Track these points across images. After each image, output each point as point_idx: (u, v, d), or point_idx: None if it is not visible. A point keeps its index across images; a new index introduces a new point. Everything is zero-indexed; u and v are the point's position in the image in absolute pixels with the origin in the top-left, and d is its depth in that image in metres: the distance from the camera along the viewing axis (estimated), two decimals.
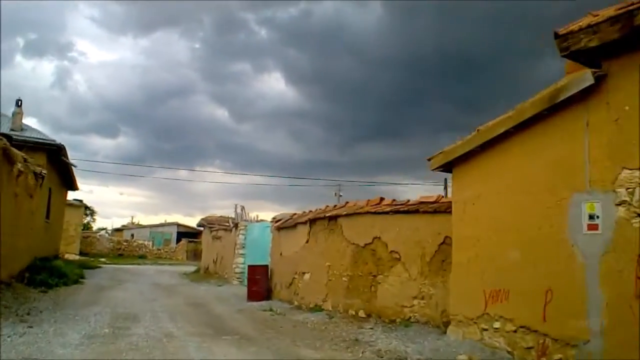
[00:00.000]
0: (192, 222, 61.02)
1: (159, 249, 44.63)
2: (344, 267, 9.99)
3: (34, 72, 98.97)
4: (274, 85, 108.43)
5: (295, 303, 11.45)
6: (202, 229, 50.86)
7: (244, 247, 17.81)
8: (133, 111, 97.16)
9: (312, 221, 11.11)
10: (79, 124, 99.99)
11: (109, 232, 62.34)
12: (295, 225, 12.05)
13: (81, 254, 37.64)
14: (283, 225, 12.77)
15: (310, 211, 11.54)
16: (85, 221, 77.47)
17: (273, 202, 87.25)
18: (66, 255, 33.35)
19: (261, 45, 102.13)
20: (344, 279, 9.96)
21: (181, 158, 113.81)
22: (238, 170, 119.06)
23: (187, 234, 60.44)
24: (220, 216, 23.98)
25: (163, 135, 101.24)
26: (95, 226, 77.50)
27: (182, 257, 44.49)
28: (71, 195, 29.56)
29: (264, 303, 12.22)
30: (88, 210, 76.57)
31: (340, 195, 51.33)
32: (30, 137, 14.33)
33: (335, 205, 11.05)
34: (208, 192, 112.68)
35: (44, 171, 14.16)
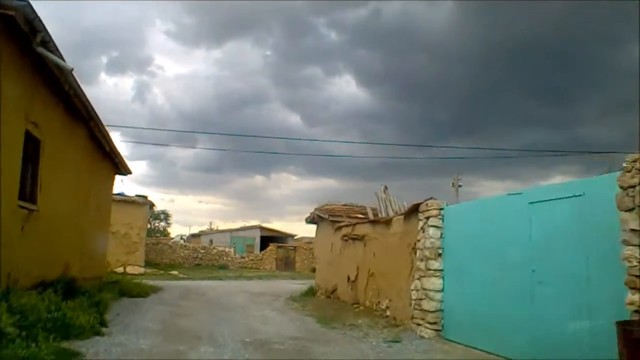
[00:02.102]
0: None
1: (243, 257, 36.26)
2: None
3: (116, 88, 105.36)
4: (345, 87, 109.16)
5: None
6: (300, 236, 41.98)
7: (440, 255, 8.21)
8: (209, 121, 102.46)
9: None
10: (159, 135, 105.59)
11: (185, 238, 55.39)
12: None
13: (148, 264, 29.85)
14: None
15: None
16: (161, 227, 71.77)
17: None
18: (127, 268, 25.52)
19: (331, 48, 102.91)
20: None
21: (256, 165, 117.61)
22: (312, 175, 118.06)
23: (271, 238, 52.33)
24: (346, 204, 14.63)
25: (239, 144, 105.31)
26: (172, 233, 71.88)
27: (270, 265, 35.92)
28: (129, 187, 21.70)
29: None
30: (162, 214, 70.99)
31: (460, 186, 40.94)
32: None
33: None
34: (284, 198, 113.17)
35: None
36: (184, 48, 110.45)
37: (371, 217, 12.64)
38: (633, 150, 4.44)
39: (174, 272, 26.89)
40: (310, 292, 15.25)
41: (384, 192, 13.03)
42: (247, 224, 55.30)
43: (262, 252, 36.53)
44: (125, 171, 17.23)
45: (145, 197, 27.23)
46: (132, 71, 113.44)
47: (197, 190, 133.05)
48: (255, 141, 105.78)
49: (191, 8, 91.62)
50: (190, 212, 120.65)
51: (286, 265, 36.19)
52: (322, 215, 13.83)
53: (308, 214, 15.39)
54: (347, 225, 12.21)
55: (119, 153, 15.17)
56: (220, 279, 23.91)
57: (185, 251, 34.59)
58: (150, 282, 18.21)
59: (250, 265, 35.46)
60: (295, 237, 57.24)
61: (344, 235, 12.19)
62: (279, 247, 36.81)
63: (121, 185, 44.97)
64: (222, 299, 13.46)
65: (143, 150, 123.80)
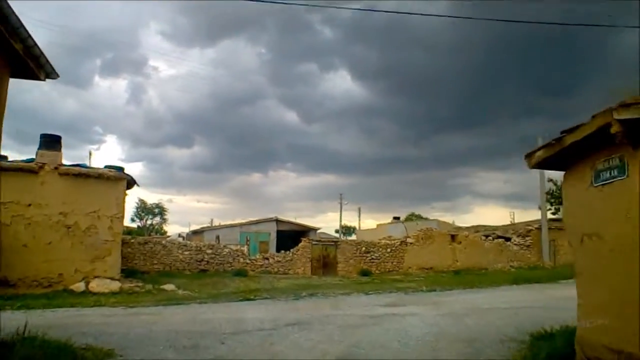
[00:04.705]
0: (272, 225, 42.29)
1: (266, 258, 26.21)
2: None
3: (110, 91, 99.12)
4: (341, 83, 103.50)
5: None
6: (321, 231, 34.43)
7: None
8: (206, 120, 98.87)
9: None
10: (155, 136, 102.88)
11: (184, 235, 45.41)
12: None
13: (131, 273, 19.88)
14: None
15: None
16: (155, 223, 61.58)
17: (352, 203, 72.61)
18: (92, 283, 15.57)
19: (326, 44, 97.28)
20: None
21: (255, 163, 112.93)
22: (311, 171, 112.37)
23: (291, 233, 42.47)
24: None
25: (236, 142, 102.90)
26: (170, 231, 61.75)
27: (303, 268, 25.99)
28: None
29: None
30: (157, 208, 60.64)
31: None
32: None
33: None
34: (283, 195, 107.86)
35: None
36: (179, 48, 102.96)
37: None
38: None
39: (170, 287, 16.91)
40: (553, 352, 5.31)
41: None
42: (254, 218, 45.31)
43: (291, 250, 26.49)
44: (40, 72, 7.27)
45: (121, 170, 17.25)
46: (126, 73, 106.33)
47: (196, 190, 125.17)
48: (254, 138, 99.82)
49: (185, 8, 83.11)
50: (189, 212, 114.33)
51: (325, 267, 26.32)
52: None
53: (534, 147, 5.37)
54: None
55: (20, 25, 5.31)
56: (249, 299, 13.93)
57: (186, 252, 24.60)
58: (116, 319, 8.39)
59: (276, 269, 25.50)
60: (319, 231, 47.42)
61: None
62: (314, 243, 26.82)
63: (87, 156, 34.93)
64: None
65: (140, 151, 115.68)
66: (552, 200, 56.96)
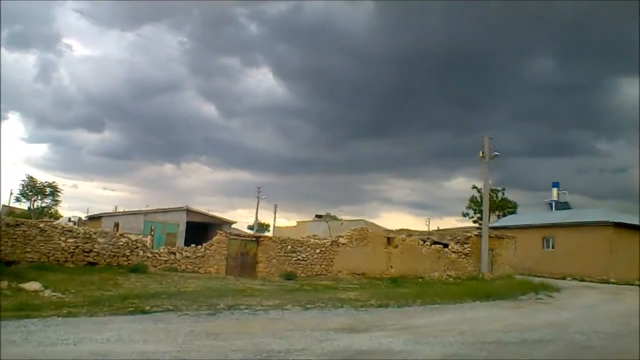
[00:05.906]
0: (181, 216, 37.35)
1: (172, 252, 21.68)
2: None
3: (16, 65, 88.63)
4: (263, 81, 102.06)
5: None
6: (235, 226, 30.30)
7: None
8: (119, 106, 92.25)
9: None
10: (63, 117, 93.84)
11: (76, 220, 39.27)
12: None
13: None
14: None
15: None
16: (44, 205, 54.19)
17: (265, 200, 67.68)
18: None
19: (250, 39, 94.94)
20: None
21: (168, 154, 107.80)
22: (225, 166, 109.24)
23: (202, 225, 38.10)
24: None
25: (150, 131, 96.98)
26: (65, 215, 54.29)
27: (216, 266, 21.81)
28: None
29: None
30: (48, 188, 53.24)
31: (497, 155, 29.26)
32: None
33: None
34: (194, 188, 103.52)
35: None
36: (96, 28, 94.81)
37: None
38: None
39: (34, 286, 12.30)
40: None
41: None
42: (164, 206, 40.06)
43: (203, 245, 22.16)
44: None
45: None
46: (36, 48, 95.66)
47: (103, 177, 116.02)
48: (169, 128, 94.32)
49: None
50: (94, 199, 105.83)
51: (242, 266, 22.34)
52: None
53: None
54: None
55: None
56: (143, 311, 9.78)
57: (70, 240, 19.54)
58: None
59: (184, 267, 21.12)
60: (233, 226, 43.07)
61: None
62: (232, 237, 22.69)
63: None
64: None
65: (45, 132, 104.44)
66: (475, 208, 56.74)
